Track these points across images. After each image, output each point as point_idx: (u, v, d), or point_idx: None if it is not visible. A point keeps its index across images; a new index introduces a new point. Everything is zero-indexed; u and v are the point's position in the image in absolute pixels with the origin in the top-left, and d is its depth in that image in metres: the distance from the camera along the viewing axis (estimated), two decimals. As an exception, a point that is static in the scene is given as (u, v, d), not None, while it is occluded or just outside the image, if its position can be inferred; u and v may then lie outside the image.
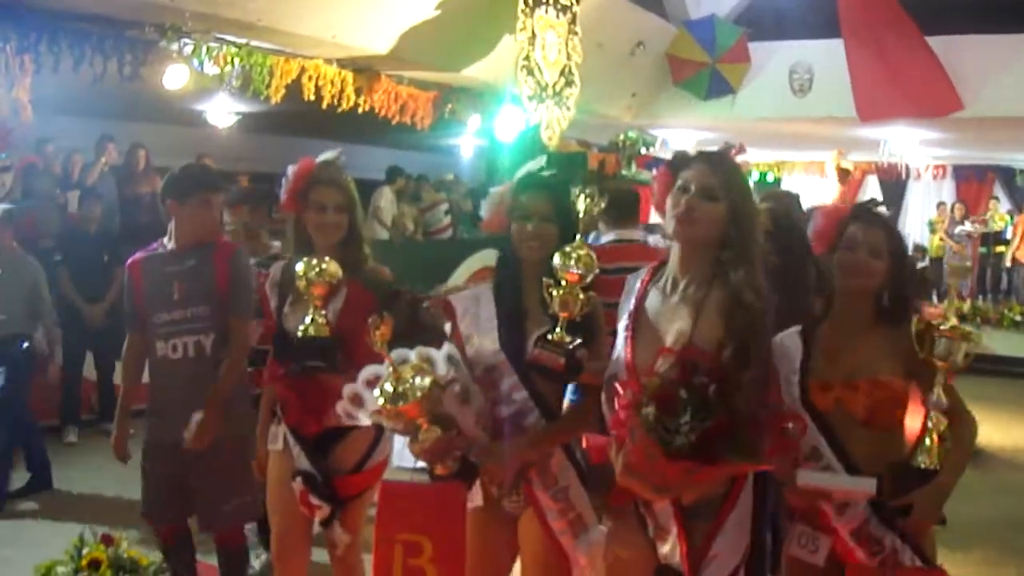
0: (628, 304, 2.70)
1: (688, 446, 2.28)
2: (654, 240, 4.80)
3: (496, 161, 10.36)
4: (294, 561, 3.47)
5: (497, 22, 8.30)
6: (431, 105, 8.95)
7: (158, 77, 6.67)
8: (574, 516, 2.87)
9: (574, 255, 2.79)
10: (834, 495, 2.73)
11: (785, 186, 15.76)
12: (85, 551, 4.10)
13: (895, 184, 17.58)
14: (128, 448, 3.97)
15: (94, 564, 4.06)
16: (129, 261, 3.96)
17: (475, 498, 2.95)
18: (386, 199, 11.77)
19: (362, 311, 2.97)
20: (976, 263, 16.10)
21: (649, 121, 12.25)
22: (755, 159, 16.26)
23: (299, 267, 3.23)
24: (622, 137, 11.21)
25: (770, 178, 17.15)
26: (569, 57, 8.89)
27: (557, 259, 2.79)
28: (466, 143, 14.09)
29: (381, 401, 2.68)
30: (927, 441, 2.71)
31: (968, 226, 15.99)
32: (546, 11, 8.52)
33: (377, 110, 8.35)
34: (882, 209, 3.06)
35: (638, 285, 2.71)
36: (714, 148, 2.80)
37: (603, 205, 2.96)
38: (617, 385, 2.49)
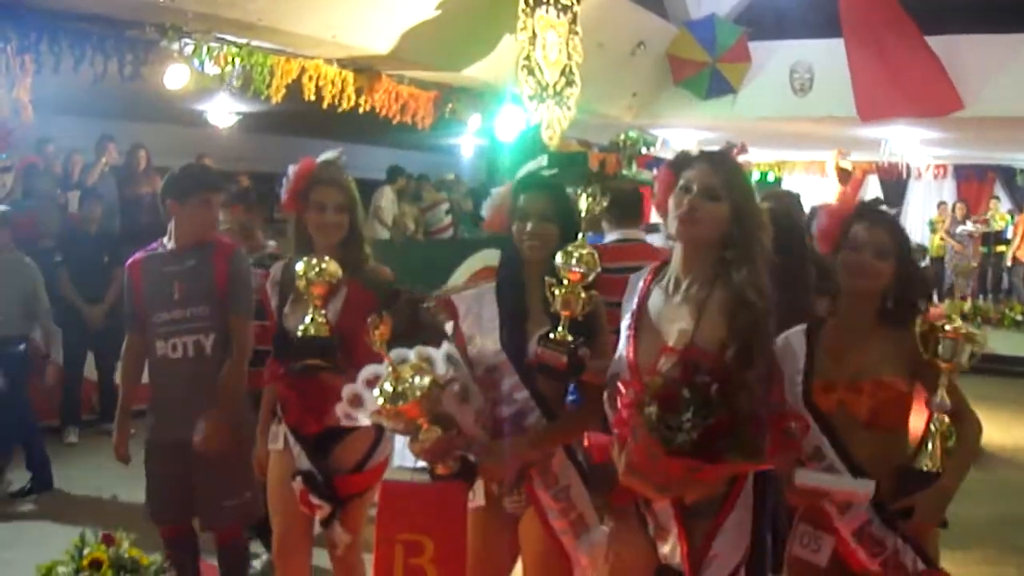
0: (631, 303, 2.70)
1: (690, 444, 2.28)
2: (654, 240, 4.79)
3: (497, 161, 10.36)
4: (295, 560, 3.47)
5: (498, 22, 8.30)
6: (432, 105, 8.94)
7: (159, 77, 6.66)
8: (575, 516, 2.87)
9: (576, 254, 2.79)
10: (832, 495, 2.72)
11: (785, 186, 15.75)
12: (86, 551, 4.08)
13: (896, 184, 17.58)
14: (129, 449, 3.98)
15: (95, 564, 4.04)
16: (129, 261, 3.96)
17: (477, 497, 2.95)
18: (387, 199, 11.78)
19: (362, 311, 2.97)
20: (978, 263, 16.09)
21: (650, 121, 12.25)
22: (755, 159, 16.23)
23: (299, 267, 3.24)
24: (623, 137, 11.19)
25: (770, 178, 17.12)
26: (570, 57, 8.89)
27: (559, 258, 2.80)
28: (467, 143, 14.08)
29: (381, 401, 2.68)
30: (930, 444, 2.70)
31: (969, 226, 15.99)
32: (547, 11, 8.51)
33: (378, 110, 8.35)
34: (886, 208, 3.04)
35: (640, 284, 2.71)
36: (716, 148, 2.79)
37: (605, 204, 2.97)
38: (619, 384, 2.48)
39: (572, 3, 8.83)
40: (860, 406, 2.73)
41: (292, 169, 3.38)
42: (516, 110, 8.89)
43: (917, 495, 2.68)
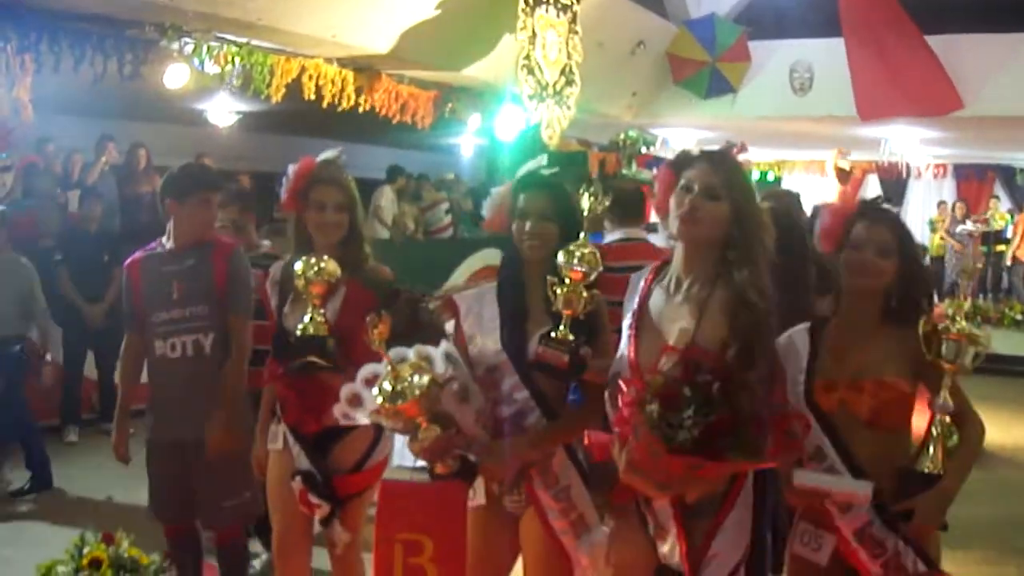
0: (632, 303, 2.69)
1: (691, 441, 2.27)
2: (655, 240, 4.79)
3: (496, 160, 10.36)
4: (295, 560, 3.47)
5: (497, 21, 8.29)
6: (431, 104, 8.94)
7: (158, 76, 6.66)
8: (576, 516, 2.86)
9: (578, 253, 2.79)
10: (831, 496, 2.71)
11: (785, 185, 15.75)
12: (86, 550, 4.09)
13: (895, 183, 17.59)
14: (129, 448, 3.97)
15: (95, 563, 4.04)
16: (127, 261, 3.96)
17: (477, 496, 2.94)
18: (387, 198, 11.77)
19: (361, 310, 2.96)
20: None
21: (649, 120, 12.25)
22: (755, 158, 16.23)
23: (298, 266, 3.24)
24: (622, 136, 11.19)
25: (770, 177, 17.13)
26: (569, 56, 8.88)
27: (561, 257, 2.80)
28: (466, 142, 14.08)
29: (380, 400, 2.68)
30: (931, 446, 2.69)
31: (969, 225, 15.99)
32: (546, 10, 8.51)
33: (377, 109, 8.34)
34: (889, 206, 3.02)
35: (642, 284, 2.71)
36: (716, 147, 2.79)
37: (608, 204, 2.97)
38: (621, 382, 2.48)
39: (572, 2, 8.83)
40: (861, 405, 2.71)
41: (292, 168, 3.37)
42: (516, 109, 8.89)
43: (918, 497, 2.67)
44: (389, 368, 2.68)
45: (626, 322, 2.68)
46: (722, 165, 2.62)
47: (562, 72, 8.81)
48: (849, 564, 2.74)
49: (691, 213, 2.54)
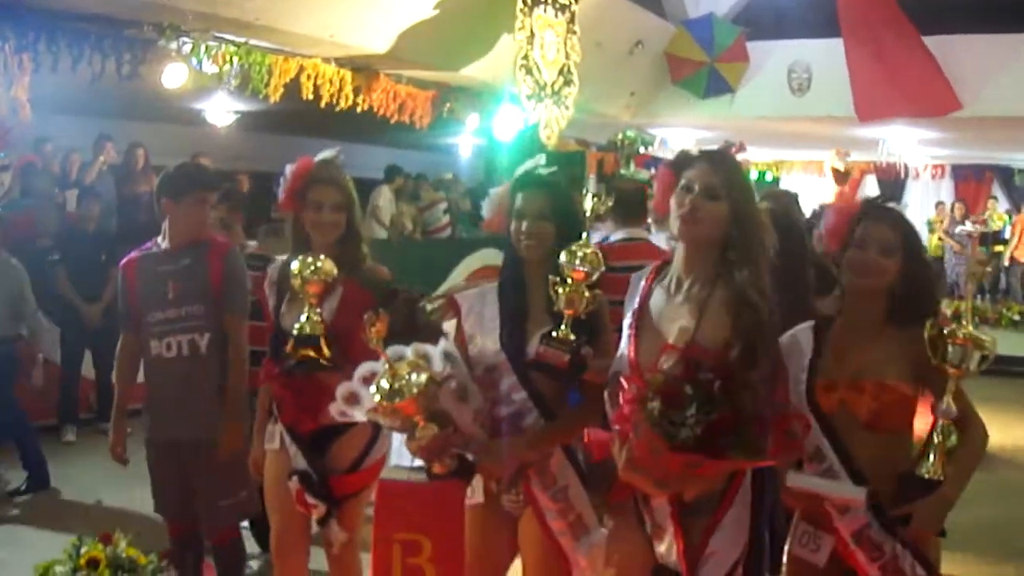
0: (632, 303, 2.69)
1: (693, 439, 2.27)
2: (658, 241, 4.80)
3: (495, 160, 10.36)
4: (293, 559, 3.46)
5: (495, 21, 8.29)
6: (429, 104, 8.93)
7: (157, 76, 6.65)
8: (574, 517, 2.86)
9: (580, 253, 2.79)
10: (825, 499, 2.70)
11: (784, 185, 15.76)
12: (83, 550, 4.08)
13: (894, 183, 17.60)
14: (126, 449, 3.96)
15: (92, 563, 4.04)
16: (123, 261, 3.94)
17: (475, 494, 2.94)
18: (384, 198, 11.77)
19: (358, 309, 2.95)
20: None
21: (648, 120, 12.25)
22: (754, 158, 16.25)
23: (294, 265, 3.23)
24: (621, 136, 11.17)
25: (768, 177, 17.14)
26: (568, 56, 8.88)
27: (563, 257, 2.80)
28: (465, 142, 14.08)
29: (377, 398, 2.67)
30: (932, 452, 2.67)
31: (968, 225, 16.00)
32: (544, 10, 8.51)
33: (375, 109, 8.34)
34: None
35: (642, 284, 2.70)
36: (715, 147, 2.78)
37: (610, 204, 2.97)
38: (621, 380, 2.48)
39: (570, 2, 8.82)
40: (861, 406, 2.69)
41: (290, 168, 3.36)
42: (514, 109, 8.89)
43: (917, 502, 2.64)
44: (387, 366, 2.67)
45: (627, 321, 2.68)
46: (722, 165, 2.62)
47: (560, 72, 8.81)
48: (848, 566, 2.73)
49: (692, 213, 2.54)
